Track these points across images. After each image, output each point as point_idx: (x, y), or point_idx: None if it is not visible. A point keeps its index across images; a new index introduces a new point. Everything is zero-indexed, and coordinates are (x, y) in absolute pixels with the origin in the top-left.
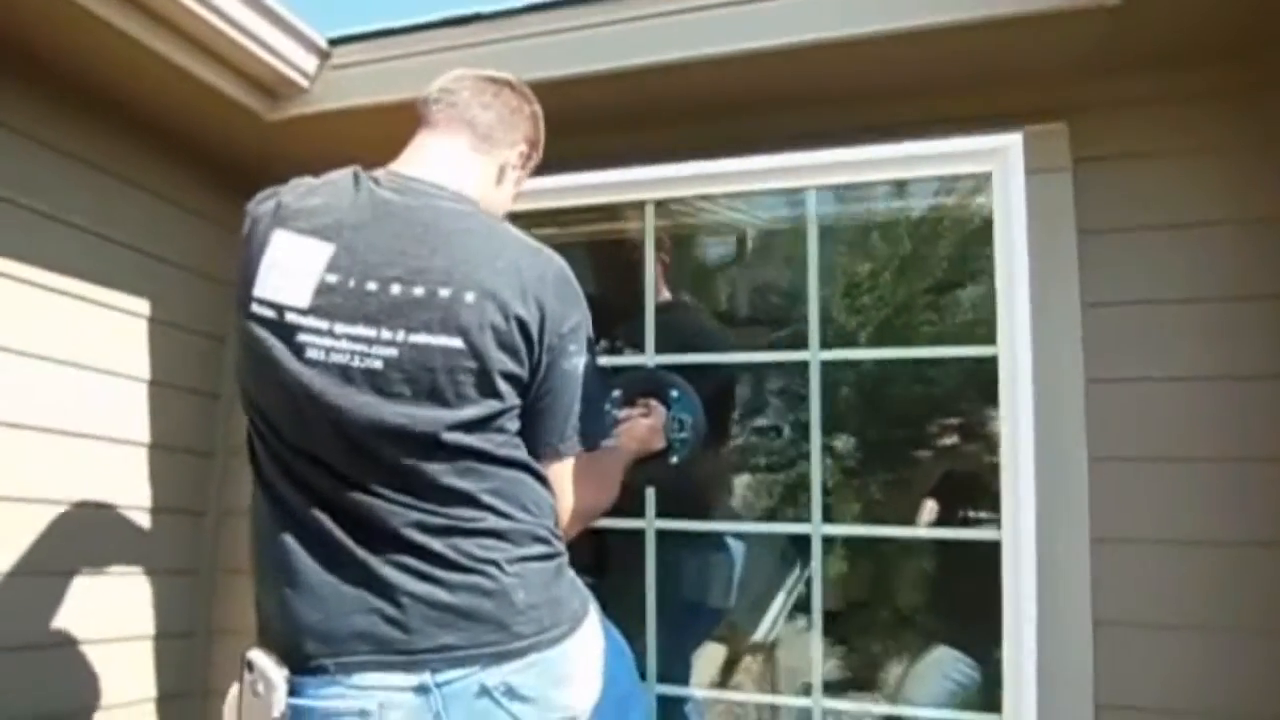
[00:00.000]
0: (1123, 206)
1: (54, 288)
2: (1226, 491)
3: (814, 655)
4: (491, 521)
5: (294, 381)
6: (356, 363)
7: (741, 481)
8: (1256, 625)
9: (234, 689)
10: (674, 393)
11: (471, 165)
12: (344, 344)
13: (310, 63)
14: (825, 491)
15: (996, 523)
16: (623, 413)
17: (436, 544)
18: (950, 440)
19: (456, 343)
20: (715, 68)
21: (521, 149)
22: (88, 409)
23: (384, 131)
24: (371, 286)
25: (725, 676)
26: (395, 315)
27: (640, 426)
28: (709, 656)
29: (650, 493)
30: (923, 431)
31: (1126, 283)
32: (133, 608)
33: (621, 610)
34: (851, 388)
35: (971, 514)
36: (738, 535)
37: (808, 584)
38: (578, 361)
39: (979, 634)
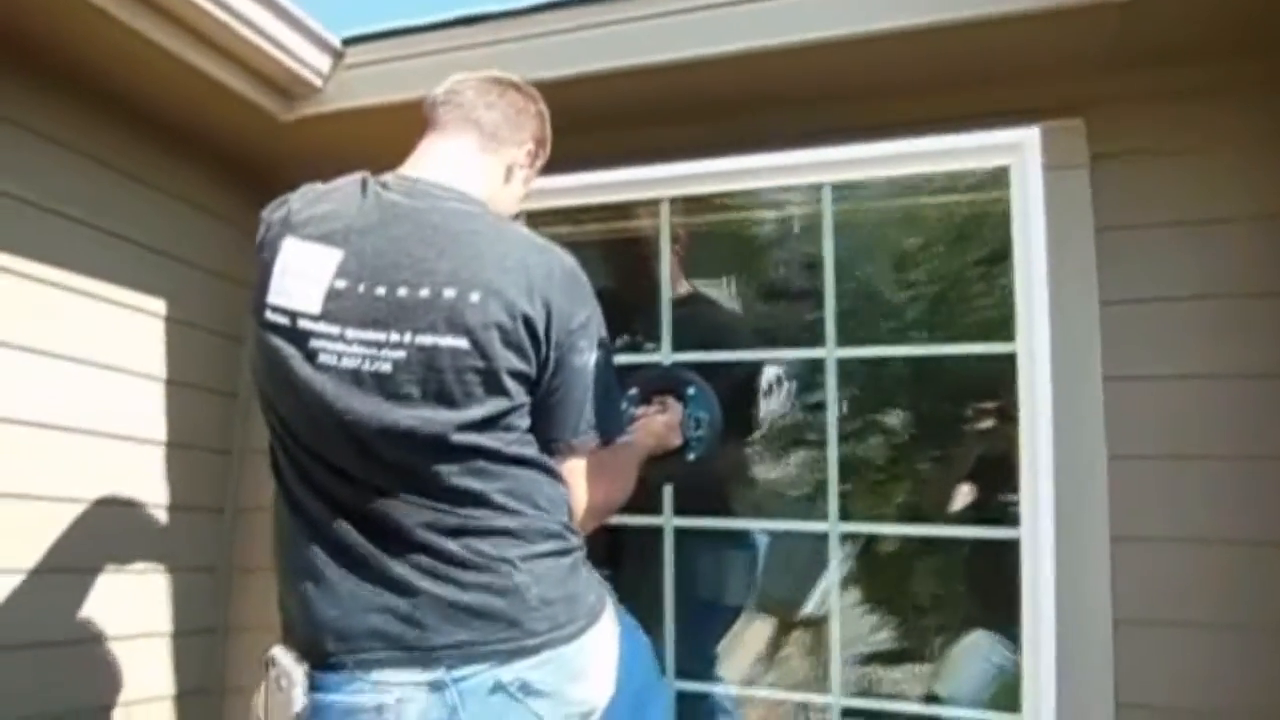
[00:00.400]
0: (1140, 203)
1: (72, 287)
2: (1245, 490)
3: (832, 655)
4: (504, 520)
5: (307, 387)
6: (367, 366)
7: (765, 470)
8: (1277, 623)
9: (261, 684)
10: (691, 390)
11: (478, 165)
12: (355, 348)
13: (324, 62)
14: (850, 475)
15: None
16: (639, 410)
17: (450, 544)
18: (985, 424)
19: (462, 343)
20: (726, 65)
21: (529, 148)
22: (106, 408)
23: (397, 130)
24: (380, 290)
25: (775, 650)
26: (402, 318)
27: (657, 423)
28: (756, 630)
29: (668, 490)
30: (956, 415)
31: (1144, 280)
32: (151, 605)
33: (637, 606)
34: (885, 375)
35: (1008, 498)
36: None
37: (859, 553)
38: (588, 358)
39: (1018, 620)
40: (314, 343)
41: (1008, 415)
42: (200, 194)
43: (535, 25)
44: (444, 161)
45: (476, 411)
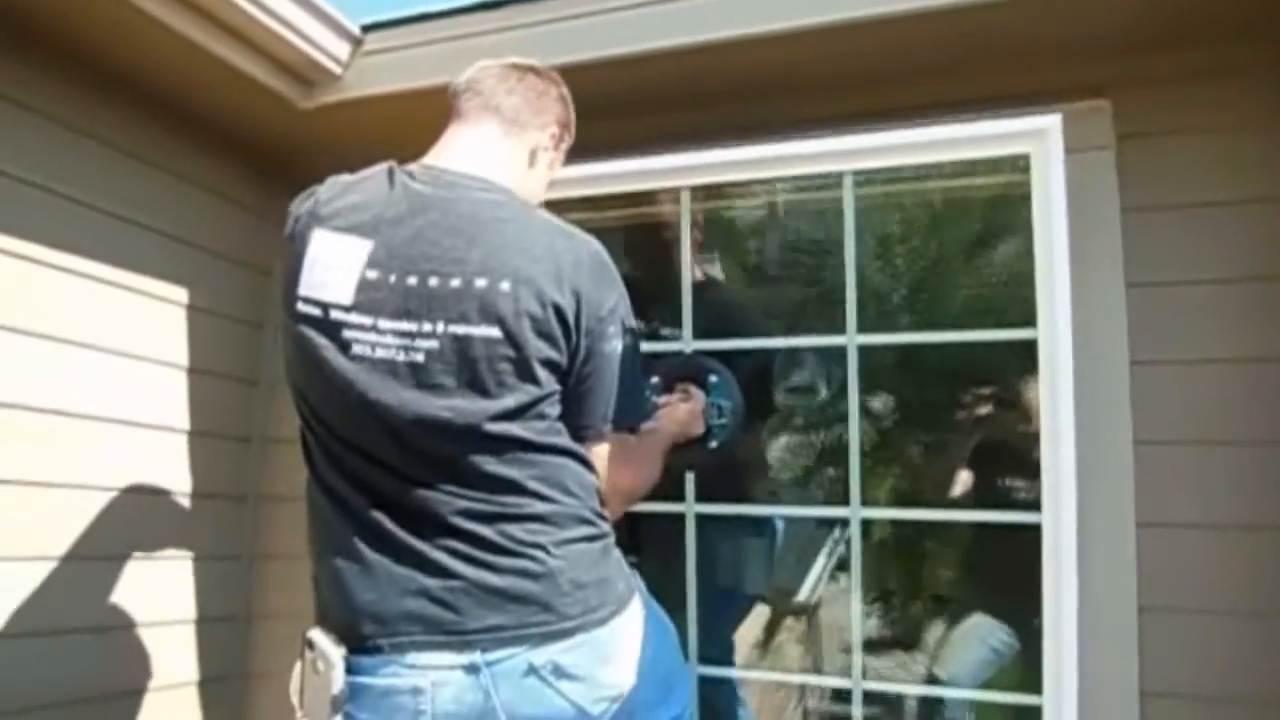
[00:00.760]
0: (1166, 184)
1: (95, 276)
2: (1272, 475)
3: (854, 637)
4: (537, 507)
5: (341, 378)
6: (401, 357)
7: (780, 445)
8: None
9: (297, 667)
10: (712, 378)
11: (502, 152)
12: (388, 339)
13: (343, 49)
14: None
15: (1031, 494)
16: (662, 398)
17: (484, 530)
18: (984, 410)
19: (495, 332)
20: (747, 49)
21: (552, 131)
22: (129, 396)
23: (418, 117)
24: (411, 281)
25: (768, 637)
26: (435, 307)
27: (680, 411)
28: (752, 617)
29: (690, 477)
30: (957, 401)
31: (1170, 262)
32: (175, 592)
33: (658, 593)
34: (890, 365)
35: (1006, 483)
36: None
37: (848, 544)
38: (617, 344)
39: (1017, 605)
40: (347, 334)
41: (1008, 402)
42: (220, 182)
43: (554, 9)
44: (468, 150)
45: (509, 400)
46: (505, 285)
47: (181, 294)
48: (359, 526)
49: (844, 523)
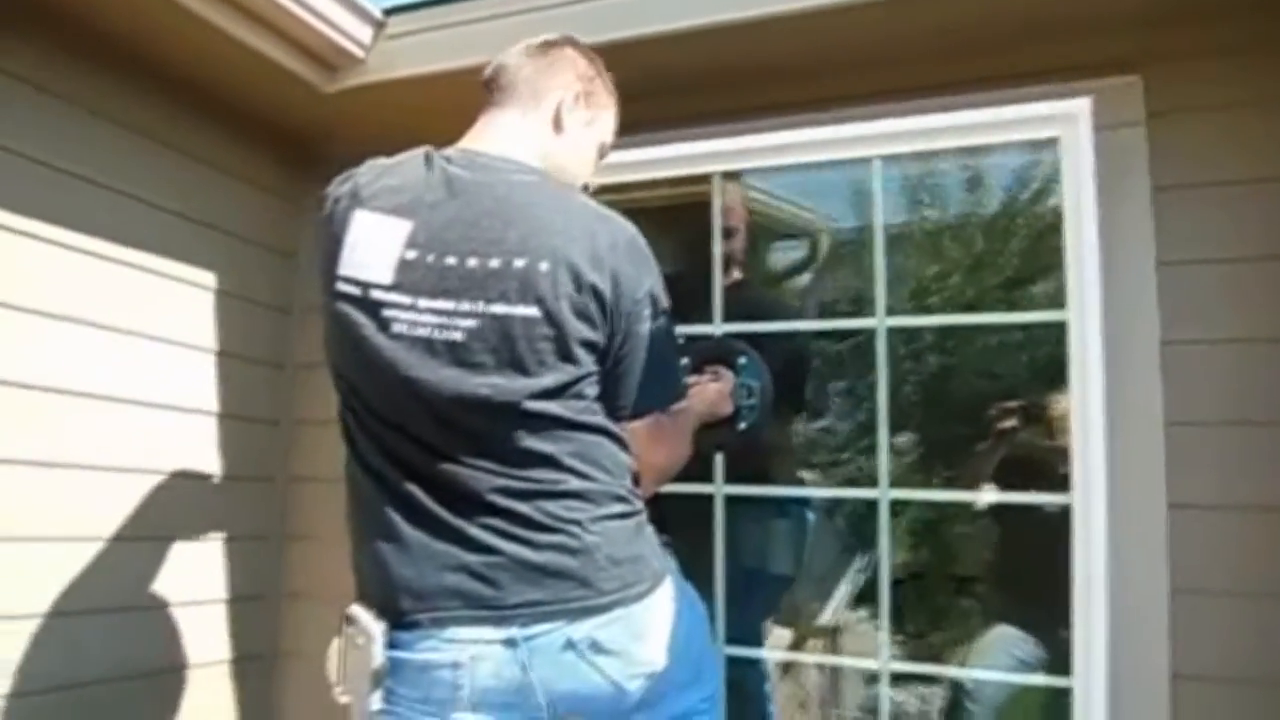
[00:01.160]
0: (1198, 161)
1: (125, 260)
2: None
3: (881, 620)
4: (574, 483)
5: (381, 356)
6: (439, 335)
7: (811, 446)
8: None
9: (335, 643)
10: (742, 360)
11: (525, 131)
12: (427, 317)
13: (365, 33)
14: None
15: (1056, 507)
16: (692, 379)
17: (522, 507)
18: (1011, 423)
19: (534, 311)
20: (777, 28)
21: (574, 89)
22: (160, 380)
23: (441, 99)
24: (450, 261)
25: (789, 660)
26: (474, 287)
27: (710, 390)
28: (774, 639)
29: (719, 458)
30: (984, 417)
31: (1203, 240)
32: (206, 572)
33: (688, 574)
34: (916, 384)
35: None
36: (806, 502)
37: (872, 571)
38: (653, 325)
39: (1044, 614)
40: (386, 312)
41: (1034, 416)
42: (247, 167)
43: None
44: (498, 134)
45: (548, 379)
46: (544, 265)
47: (210, 278)
48: (398, 503)
49: (865, 549)
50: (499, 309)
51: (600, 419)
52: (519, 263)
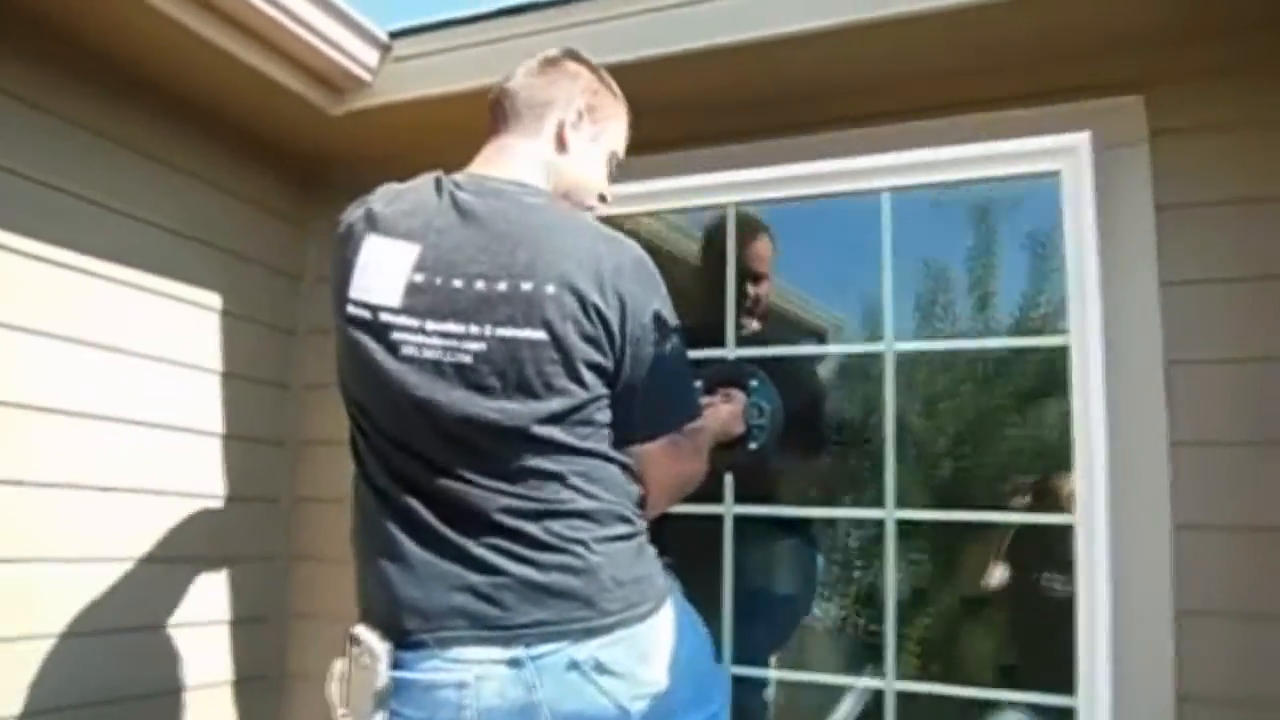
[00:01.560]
0: (1202, 180)
1: (130, 282)
2: None
3: (887, 639)
4: (579, 503)
5: (391, 378)
6: (448, 358)
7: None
8: None
9: (338, 664)
10: (753, 382)
11: (533, 151)
12: (435, 340)
13: (372, 56)
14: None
15: (1067, 585)
16: (705, 400)
17: (528, 526)
18: (1022, 500)
19: (541, 335)
20: (782, 49)
21: (576, 105)
22: (165, 400)
23: (448, 122)
24: (457, 284)
25: None
26: (481, 310)
27: (722, 410)
28: None
29: (729, 479)
30: (993, 494)
31: (1207, 260)
32: (211, 593)
33: (702, 597)
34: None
35: (1044, 576)
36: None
37: (878, 704)
38: (663, 347)
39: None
40: (395, 335)
41: (1045, 493)
42: (253, 189)
43: (580, 13)
44: (505, 160)
45: (555, 403)
46: (551, 289)
47: (215, 299)
48: (405, 523)
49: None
50: (506, 332)
51: (606, 446)
52: (526, 286)
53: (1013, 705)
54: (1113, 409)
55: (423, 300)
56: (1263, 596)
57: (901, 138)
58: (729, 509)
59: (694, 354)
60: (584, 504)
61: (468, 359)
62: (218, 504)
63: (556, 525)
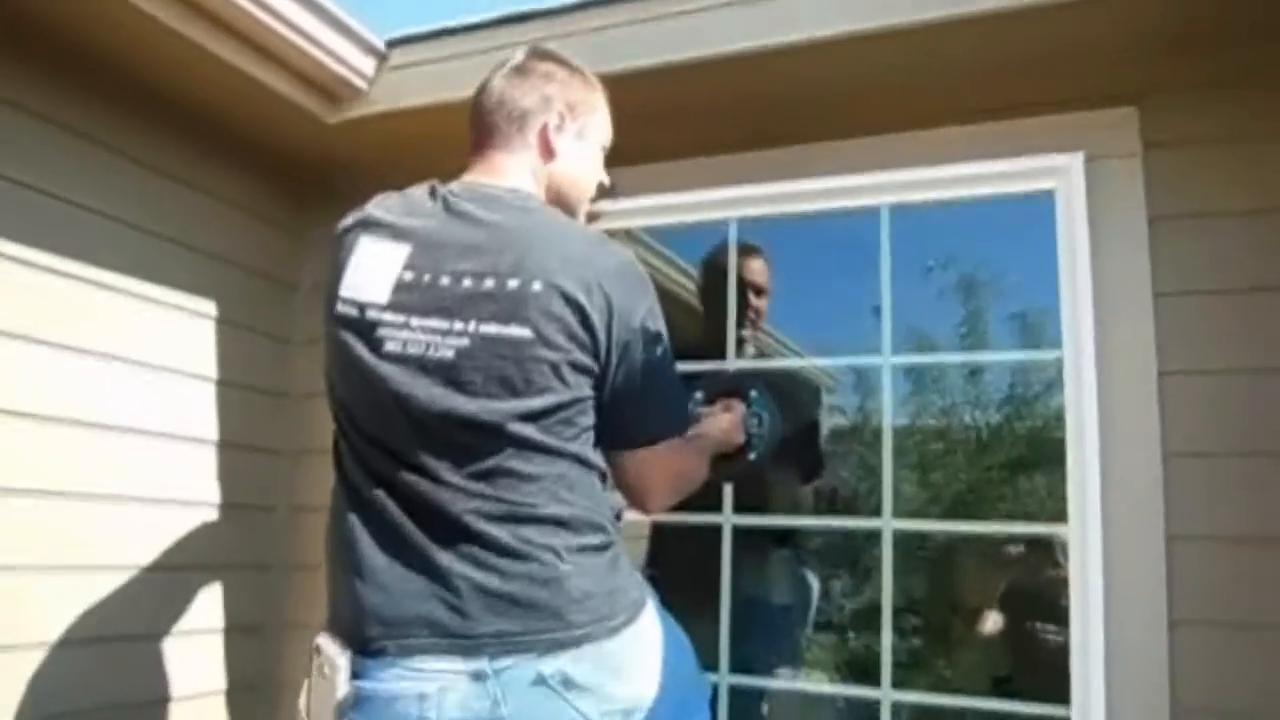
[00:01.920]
0: (1194, 192)
1: (126, 290)
2: None
3: (884, 648)
4: (552, 509)
5: (373, 373)
6: (431, 354)
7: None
8: None
9: (307, 680)
10: (753, 393)
11: (520, 161)
12: (419, 335)
13: (368, 65)
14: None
15: (1061, 636)
16: (704, 410)
17: (496, 531)
18: (1015, 551)
19: (525, 332)
20: (777, 60)
21: (556, 107)
22: (160, 408)
23: (443, 131)
24: (445, 281)
25: None
26: (467, 307)
27: (722, 419)
28: None
29: (728, 489)
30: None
31: (1201, 271)
32: (206, 602)
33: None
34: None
35: (1037, 626)
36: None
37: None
38: (653, 351)
39: None
40: (380, 331)
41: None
42: (248, 197)
43: (576, 23)
44: (492, 172)
45: (537, 402)
46: (537, 286)
47: (212, 308)
48: (375, 527)
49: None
50: (490, 329)
51: (585, 450)
52: (512, 284)
53: None
54: (1106, 420)
55: (410, 297)
56: (1257, 606)
57: (895, 150)
58: (728, 519)
59: (695, 367)
60: (557, 510)
61: (450, 354)
62: (213, 513)
63: (527, 530)
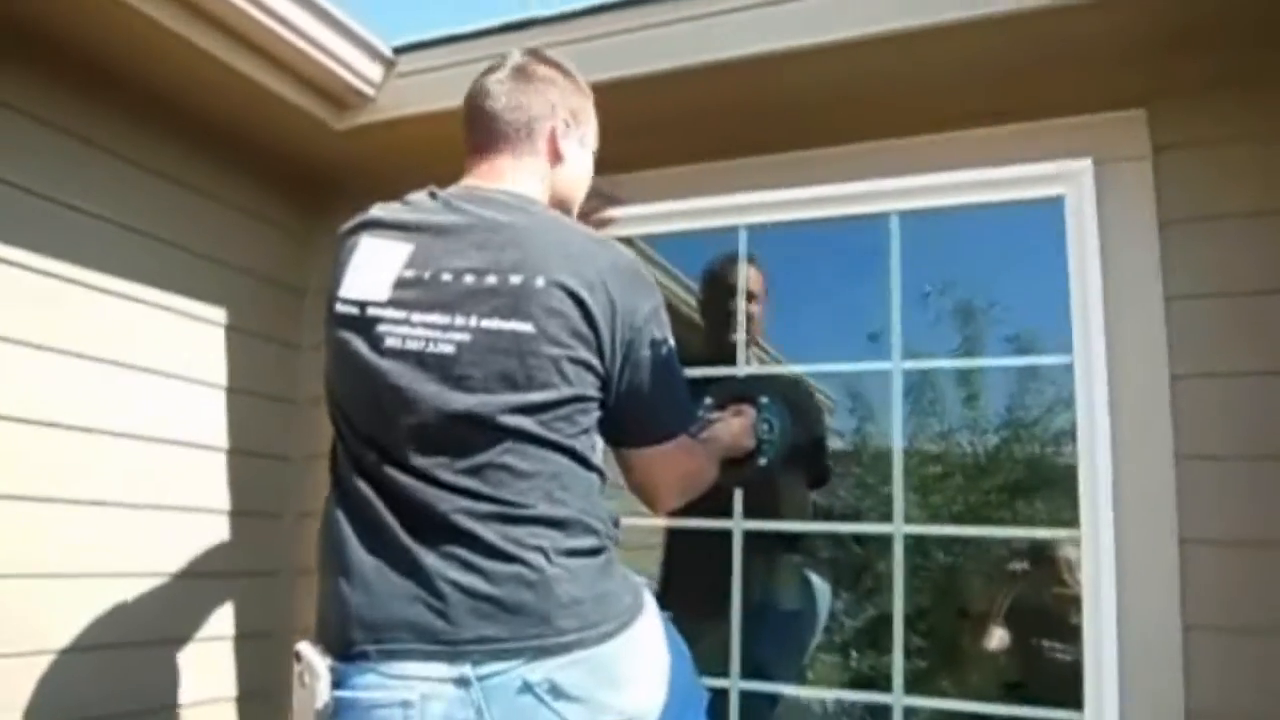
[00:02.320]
0: (1205, 194)
1: (135, 297)
2: None
3: (895, 654)
4: (543, 508)
5: (371, 369)
6: (430, 349)
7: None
8: None
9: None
10: (763, 399)
11: (527, 167)
12: (419, 331)
13: (376, 71)
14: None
15: (1068, 655)
16: (715, 414)
17: (484, 531)
18: (1020, 567)
19: (527, 327)
20: (780, 65)
21: (562, 113)
22: (168, 415)
23: (450, 137)
24: (446, 277)
25: None
26: (468, 302)
27: (733, 423)
28: None
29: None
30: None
31: (1212, 274)
32: (214, 608)
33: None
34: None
35: (1044, 642)
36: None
37: None
38: (660, 348)
39: None
40: (380, 328)
41: (1044, 559)
42: (256, 203)
43: (582, 29)
44: (495, 173)
45: (537, 396)
46: (539, 282)
47: (219, 314)
48: (363, 528)
49: None
50: (491, 324)
51: (586, 450)
52: (514, 279)
53: None
54: (1118, 423)
55: (410, 293)
56: (1272, 610)
57: (904, 154)
58: (738, 524)
59: (705, 373)
60: (549, 510)
61: (450, 349)
62: (221, 519)
63: (516, 530)
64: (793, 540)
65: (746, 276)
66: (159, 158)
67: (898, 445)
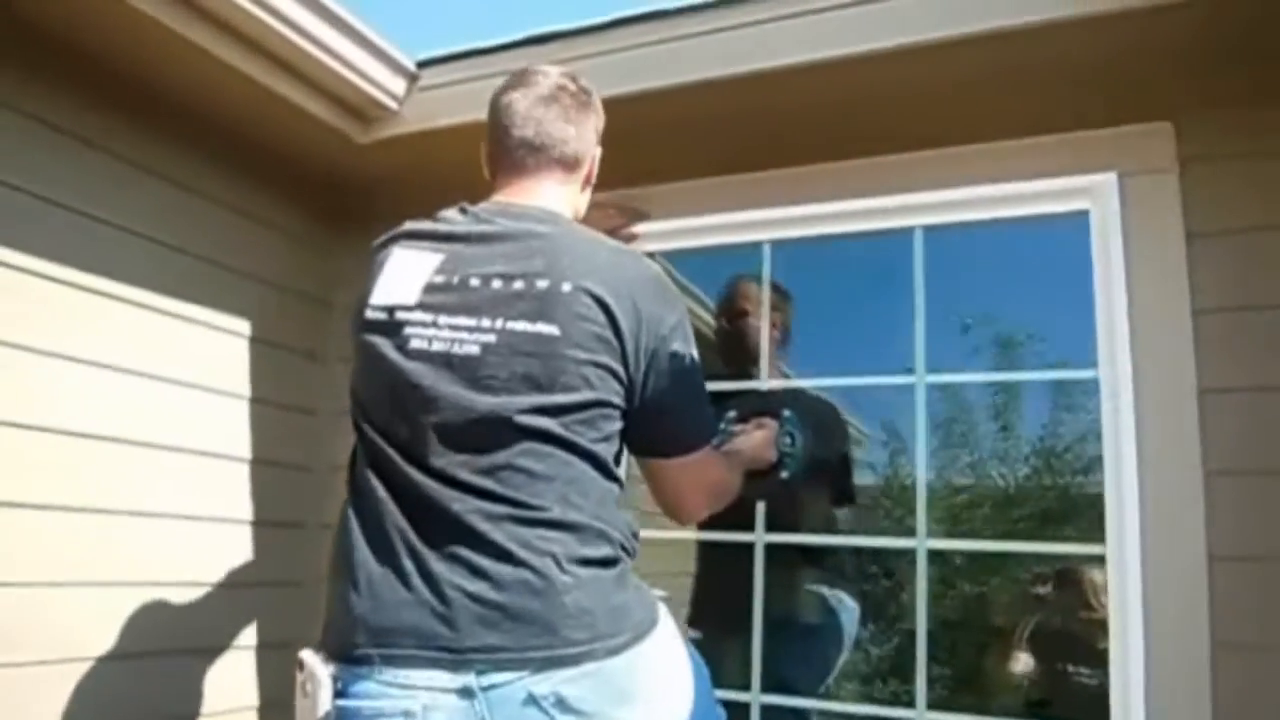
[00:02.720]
0: (1233, 207)
1: (160, 308)
2: None
3: (918, 669)
4: (557, 512)
5: (397, 370)
6: (456, 349)
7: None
8: None
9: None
10: (786, 412)
11: (562, 192)
12: (445, 333)
13: (399, 85)
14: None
15: (1093, 680)
16: (738, 427)
17: (495, 532)
18: (1043, 590)
19: (552, 329)
20: (805, 77)
21: (597, 146)
22: (192, 425)
23: (473, 150)
24: (474, 282)
25: None
26: (495, 305)
27: (756, 436)
28: None
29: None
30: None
31: (1239, 287)
32: (237, 618)
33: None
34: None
35: (1069, 668)
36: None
37: None
38: (684, 360)
39: None
40: (407, 330)
41: (1068, 583)
42: (281, 216)
43: (603, 43)
44: (529, 193)
45: (560, 398)
46: (566, 287)
47: (244, 325)
48: (373, 531)
49: None
50: (518, 326)
51: (607, 456)
52: (541, 284)
53: None
54: (1145, 439)
55: (439, 297)
56: None
57: (927, 167)
58: (760, 537)
59: (728, 386)
60: (563, 514)
61: (475, 350)
62: (244, 529)
63: (528, 533)
64: (816, 556)
65: (768, 295)
66: (183, 171)
67: (921, 458)
